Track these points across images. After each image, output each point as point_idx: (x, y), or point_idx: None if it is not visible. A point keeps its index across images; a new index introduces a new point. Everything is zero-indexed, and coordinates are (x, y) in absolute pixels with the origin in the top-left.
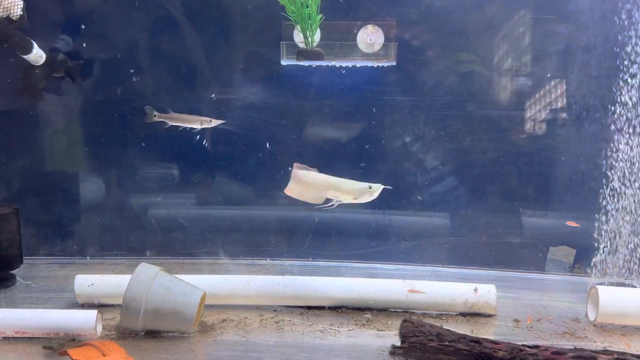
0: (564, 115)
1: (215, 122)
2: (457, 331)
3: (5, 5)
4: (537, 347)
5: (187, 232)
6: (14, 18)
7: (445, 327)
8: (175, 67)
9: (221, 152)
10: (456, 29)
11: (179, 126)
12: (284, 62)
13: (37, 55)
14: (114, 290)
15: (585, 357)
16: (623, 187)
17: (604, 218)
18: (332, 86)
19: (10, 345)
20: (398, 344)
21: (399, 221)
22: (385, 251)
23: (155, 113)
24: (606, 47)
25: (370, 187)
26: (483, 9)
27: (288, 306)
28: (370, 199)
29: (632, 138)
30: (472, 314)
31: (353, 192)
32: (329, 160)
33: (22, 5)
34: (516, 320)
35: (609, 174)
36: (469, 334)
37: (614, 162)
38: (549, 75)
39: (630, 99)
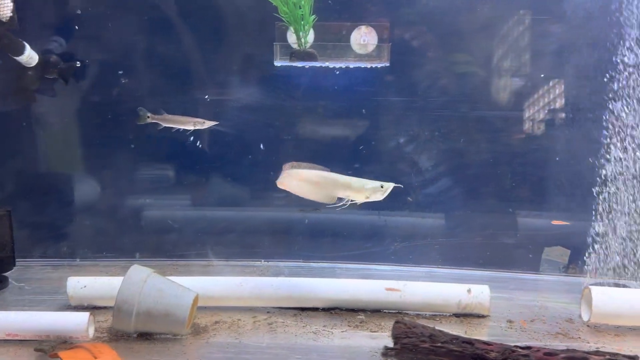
0: (558, 115)
1: (208, 124)
2: (450, 332)
3: None
4: (529, 348)
5: (181, 234)
6: (4, 20)
7: (438, 328)
8: (168, 68)
9: (215, 153)
10: (450, 29)
11: (172, 127)
12: (277, 63)
13: (29, 57)
14: (107, 293)
15: (577, 357)
16: (616, 187)
17: (597, 218)
18: (326, 87)
19: (2, 348)
20: (391, 345)
21: (393, 222)
22: (380, 252)
23: (149, 114)
24: (600, 47)
25: (382, 186)
26: (476, 9)
27: (281, 308)
28: (381, 198)
29: (625, 136)
30: (465, 315)
31: (365, 191)
32: (323, 161)
33: (11, 7)
34: (510, 321)
35: (603, 174)
36: (461, 335)
37: (607, 163)
38: (542, 75)
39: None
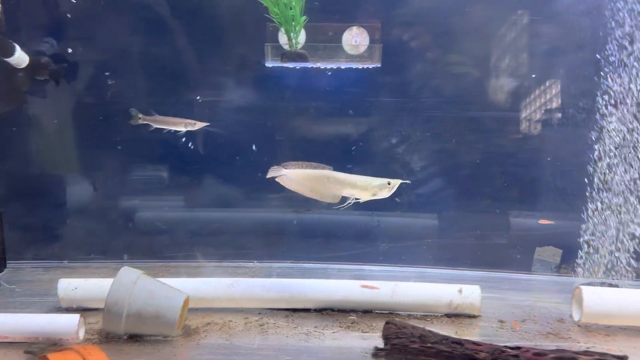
0: (549, 116)
1: (199, 125)
2: (441, 332)
3: None
4: (518, 348)
5: (173, 235)
6: None
7: (429, 328)
8: (160, 69)
9: (207, 155)
10: (441, 30)
11: (163, 129)
12: (268, 64)
13: (19, 58)
14: (98, 294)
15: (566, 358)
16: (606, 188)
17: (588, 218)
18: (318, 88)
19: None
20: (381, 345)
21: (385, 223)
22: (372, 253)
23: (140, 115)
24: (591, 48)
25: (389, 183)
26: (468, 10)
27: (273, 309)
28: (388, 195)
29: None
30: (457, 315)
31: (371, 188)
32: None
33: None
34: (501, 321)
35: (593, 174)
36: (451, 336)
37: (598, 162)
38: (534, 76)
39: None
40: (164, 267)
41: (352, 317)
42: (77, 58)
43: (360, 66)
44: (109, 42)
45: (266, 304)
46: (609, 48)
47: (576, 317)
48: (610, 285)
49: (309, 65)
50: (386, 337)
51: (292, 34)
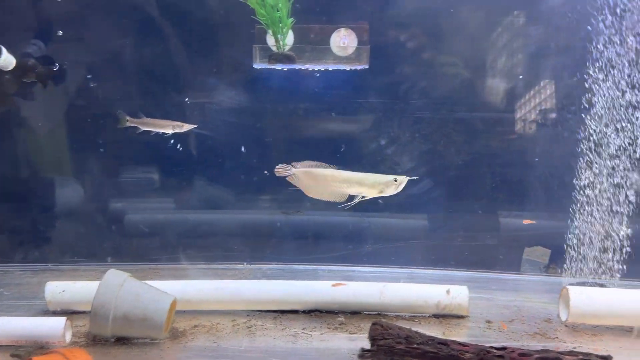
0: (538, 116)
1: (187, 127)
2: (427, 333)
3: None
4: (504, 348)
5: (162, 238)
6: None
7: (417, 329)
8: (148, 71)
9: (196, 157)
10: (430, 32)
11: (151, 131)
12: (256, 66)
13: (6, 60)
14: (85, 297)
15: (551, 358)
16: (593, 188)
17: (575, 218)
18: (306, 89)
19: None
20: (368, 346)
21: (374, 224)
22: (362, 254)
23: (128, 118)
24: (579, 49)
25: (395, 180)
26: (456, 12)
27: (261, 311)
28: (395, 192)
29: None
30: (445, 316)
31: (378, 185)
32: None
33: None
34: (489, 322)
35: (581, 174)
36: (437, 336)
37: (586, 163)
38: (521, 77)
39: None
40: (152, 270)
41: (340, 319)
42: (64, 60)
43: (348, 68)
44: (97, 45)
45: (254, 305)
46: (595, 49)
47: (563, 317)
48: (598, 285)
49: (296, 66)
50: (372, 338)
51: (279, 36)
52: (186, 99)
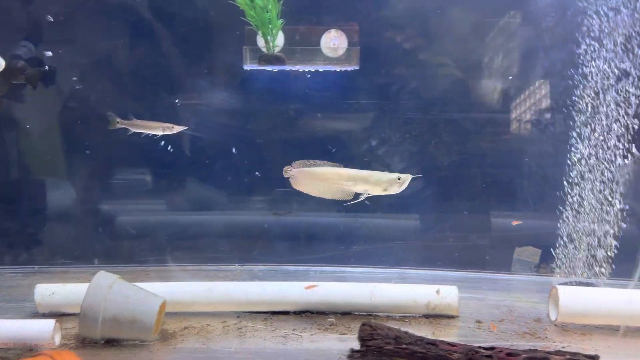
0: (527, 116)
1: (177, 129)
2: (416, 334)
3: None
4: (492, 348)
5: (154, 240)
6: None
7: (408, 329)
8: (139, 73)
9: (187, 158)
10: (419, 32)
11: (141, 133)
12: (246, 67)
13: None
14: (75, 299)
15: (539, 357)
16: (582, 187)
17: (564, 217)
18: (297, 90)
19: None
20: (358, 347)
21: (366, 224)
22: (353, 254)
23: (118, 120)
24: (567, 48)
25: (399, 178)
26: (446, 13)
27: (252, 312)
28: (399, 190)
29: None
30: (435, 316)
31: (382, 183)
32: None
33: None
34: (479, 321)
35: (571, 174)
36: (426, 337)
37: (575, 162)
38: (511, 78)
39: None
40: (143, 272)
41: (331, 319)
42: (54, 62)
43: (338, 69)
44: (87, 46)
45: (244, 307)
46: (585, 49)
47: (553, 317)
48: (588, 284)
49: (286, 68)
50: (362, 339)
51: (269, 37)
52: (177, 101)
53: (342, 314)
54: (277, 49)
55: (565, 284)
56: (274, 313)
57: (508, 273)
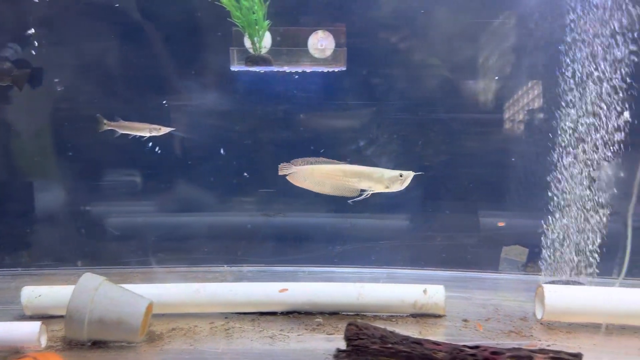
0: (513, 116)
1: (164, 130)
2: (402, 333)
3: None
4: (477, 347)
5: (143, 241)
6: None
7: (395, 328)
8: (126, 74)
9: (175, 159)
10: (406, 33)
11: (128, 134)
12: (233, 68)
13: None
14: (62, 301)
15: (522, 356)
16: (568, 187)
17: (550, 217)
18: (285, 91)
19: None
20: (344, 347)
21: (355, 224)
22: (342, 254)
23: (105, 121)
24: (552, 48)
25: (401, 175)
26: (432, 13)
27: (240, 313)
28: (401, 187)
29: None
30: (422, 315)
31: (384, 180)
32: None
33: None
34: (465, 320)
35: (556, 173)
36: (411, 336)
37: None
38: (497, 78)
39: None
40: (131, 273)
41: (319, 320)
42: (40, 64)
43: (325, 70)
44: (73, 48)
45: (232, 308)
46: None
47: (539, 315)
48: (575, 283)
49: (274, 69)
50: (348, 339)
51: (255, 38)
52: (164, 102)
53: (330, 314)
54: (264, 50)
55: (553, 282)
56: (261, 314)
57: (496, 272)
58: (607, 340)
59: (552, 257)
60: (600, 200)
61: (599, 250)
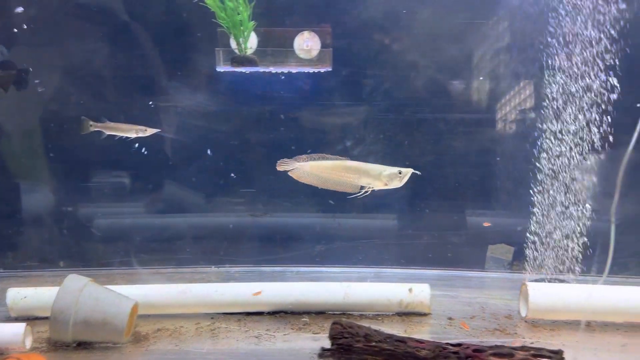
0: (498, 116)
1: (150, 131)
2: (387, 331)
3: None
4: (459, 345)
5: (130, 242)
6: None
7: (381, 327)
8: (112, 75)
9: (162, 160)
10: (392, 34)
11: (115, 135)
12: (219, 69)
13: None
14: (48, 303)
15: (504, 353)
16: (552, 185)
17: (534, 215)
18: (271, 92)
19: None
20: (329, 346)
21: (342, 224)
22: (329, 254)
23: (91, 123)
24: (535, 48)
25: (400, 172)
26: (417, 14)
27: (226, 313)
28: (400, 185)
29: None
30: (407, 314)
31: (383, 177)
32: (272, 166)
33: None
34: (450, 319)
35: (540, 173)
36: (396, 334)
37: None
38: (481, 78)
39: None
40: (119, 275)
41: (305, 319)
42: (26, 65)
43: (311, 70)
44: (59, 49)
45: (219, 308)
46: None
47: (523, 313)
48: (560, 281)
49: (259, 69)
50: (332, 337)
51: (240, 39)
52: (150, 103)
53: (317, 314)
54: (250, 51)
55: (538, 280)
56: (248, 314)
57: (482, 271)
58: (589, 337)
59: (537, 255)
60: (583, 198)
61: (582, 249)
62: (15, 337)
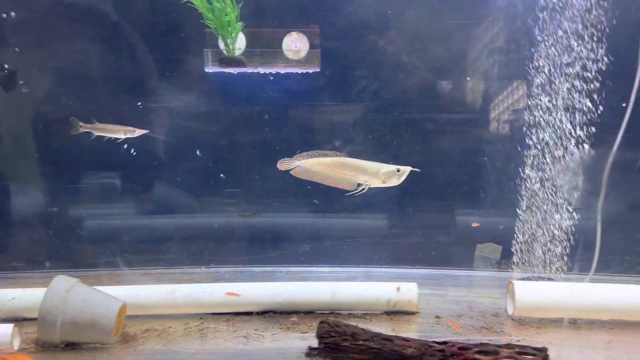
0: (487, 116)
1: (138, 132)
2: (374, 330)
3: None
4: (445, 343)
5: (119, 243)
6: None
7: (369, 326)
8: (101, 76)
9: (151, 161)
10: (380, 35)
11: (104, 136)
12: (208, 69)
13: None
14: (36, 304)
15: (489, 351)
16: (538, 184)
17: (522, 214)
18: (259, 92)
19: None
20: (316, 345)
21: (332, 224)
22: (319, 254)
23: (81, 124)
24: (523, 49)
25: (398, 170)
26: (405, 15)
27: (215, 313)
28: (398, 182)
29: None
30: (395, 313)
31: (381, 175)
32: (260, 166)
33: None
34: (437, 317)
35: (526, 172)
36: (383, 333)
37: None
38: (469, 78)
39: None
40: (108, 276)
41: (294, 319)
42: (15, 66)
43: (299, 71)
44: (48, 49)
45: (208, 308)
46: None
47: (510, 311)
48: (547, 279)
49: (248, 70)
50: (320, 336)
51: (228, 40)
52: (139, 104)
53: (305, 313)
54: (238, 52)
55: (524, 279)
56: (237, 314)
57: (470, 269)
58: (575, 335)
59: (524, 254)
60: (568, 197)
61: (569, 247)
62: (3, 338)
